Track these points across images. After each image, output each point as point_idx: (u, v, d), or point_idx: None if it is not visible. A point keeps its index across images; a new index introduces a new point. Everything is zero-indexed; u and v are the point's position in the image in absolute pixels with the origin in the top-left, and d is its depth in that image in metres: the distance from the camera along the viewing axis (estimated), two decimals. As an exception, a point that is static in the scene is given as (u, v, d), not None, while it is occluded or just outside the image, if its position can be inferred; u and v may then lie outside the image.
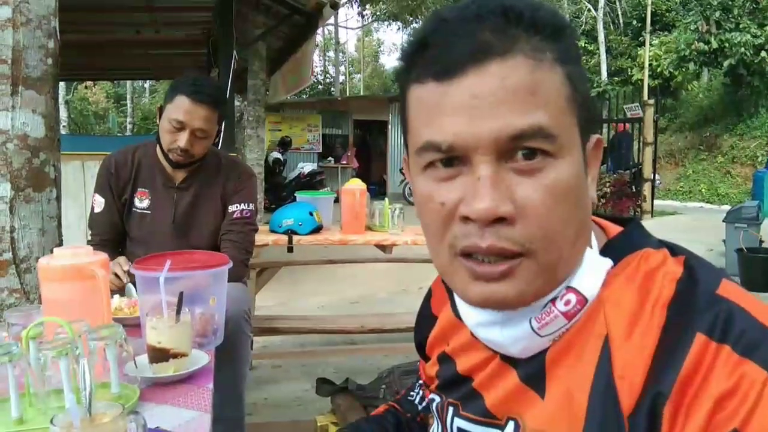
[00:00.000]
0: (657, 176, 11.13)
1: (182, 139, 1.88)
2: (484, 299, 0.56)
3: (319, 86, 27.88)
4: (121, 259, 1.85)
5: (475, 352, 0.65)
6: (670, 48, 16.88)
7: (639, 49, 18.40)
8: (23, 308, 1.36)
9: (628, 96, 12.76)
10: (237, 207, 2.04)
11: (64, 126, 16.46)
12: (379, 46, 38.20)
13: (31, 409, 0.99)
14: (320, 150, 15.30)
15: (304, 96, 20.12)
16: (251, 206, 2.08)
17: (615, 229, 0.63)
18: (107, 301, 1.21)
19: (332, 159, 15.28)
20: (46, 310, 1.18)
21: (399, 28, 25.57)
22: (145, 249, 1.91)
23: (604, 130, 11.30)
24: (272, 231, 2.98)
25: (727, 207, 8.97)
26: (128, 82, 22.58)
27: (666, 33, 18.56)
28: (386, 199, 3.20)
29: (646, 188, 10.18)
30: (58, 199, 1.84)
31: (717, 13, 14.82)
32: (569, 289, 0.57)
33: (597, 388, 0.54)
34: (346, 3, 21.30)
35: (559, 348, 0.58)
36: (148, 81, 25.17)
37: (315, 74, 25.57)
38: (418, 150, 0.56)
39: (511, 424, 0.61)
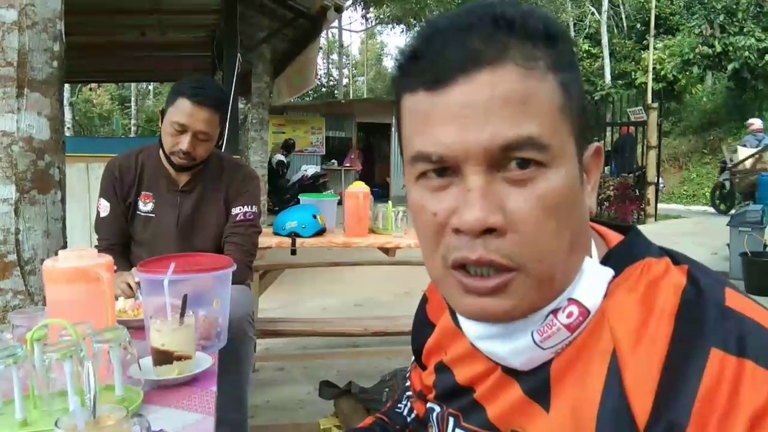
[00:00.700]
0: (661, 180, 11.11)
1: (184, 141, 1.88)
2: (477, 313, 0.56)
3: (323, 89, 27.89)
4: (134, 271, 1.85)
5: (475, 363, 0.64)
6: (674, 51, 16.88)
7: (643, 52, 18.39)
8: (28, 310, 1.37)
9: (631, 99, 12.77)
10: (240, 209, 2.05)
11: (68, 128, 16.54)
12: (383, 49, 38.28)
13: (36, 411, 0.99)
14: (324, 152, 15.31)
15: (308, 99, 20.17)
16: (254, 209, 2.08)
17: (615, 238, 0.62)
18: (111, 304, 1.21)
19: (335, 161, 15.30)
20: (50, 312, 1.18)
21: (402, 31, 25.53)
22: (149, 252, 1.91)
23: (608, 134, 11.30)
24: (275, 233, 2.98)
25: (731, 211, 8.95)
26: (132, 85, 22.65)
27: (670, 36, 18.55)
28: (389, 201, 3.20)
29: (650, 192, 10.16)
30: (63, 201, 1.84)
31: (721, 17, 14.82)
32: (571, 300, 0.56)
33: (606, 403, 0.53)
34: (350, 6, 21.34)
35: (564, 361, 0.57)
36: (152, 83, 25.23)
37: (319, 77, 25.58)
38: (411, 160, 0.56)
39: None
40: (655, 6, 16.40)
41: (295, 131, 14.87)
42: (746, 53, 14.12)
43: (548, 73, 0.52)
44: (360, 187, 3.07)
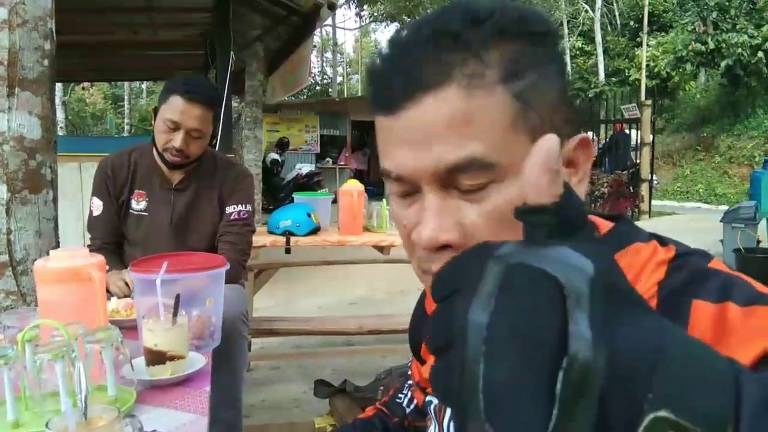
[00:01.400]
0: (654, 177, 11.15)
1: (177, 139, 1.88)
2: None
3: (317, 87, 27.87)
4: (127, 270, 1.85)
5: None
6: (668, 49, 16.94)
7: (636, 49, 18.46)
8: (19, 311, 1.36)
9: (625, 96, 12.78)
10: (234, 208, 2.04)
11: (61, 127, 16.43)
12: (377, 47, 38.24)
13: (27, 412, 0.99)
14: (318, 151, 15.29)
15: (302, 97, 20.12)
16: (248, 207, 2.07)
17: (606, 227, 0.62)
18: (103, 304, 1.21)
19: (330, 160, 15.27)
20: (42, 312, 1.18)
21: (396, 29, 25.54)
22: (142, 251, 1.91)
23: (602, 131, 11.33)
24: (270, 232, 2.98)
25: (725, 207, 8.98)
26: (125, 84, 22.56)
27: (663, 34, 18.62)
28: (384, 200, 3.20)
29: (644, 189, 10.20)
30: (55, 200, 1.83)
31: (714, 14, 14.87)
32: None
33: None
34: (343, 4, 21.31)
35: None
36: (145, 82, 25.14)
37: (313, 75, 25.59)
38: (382, 174, 0.58)
39: None
40: (649, 3, 16.45)
41: (290, 130, 14.83)
42: (739, 50, 14.17)
43: (497, 86, 0.51)
44: (354, 186, 3.07)
